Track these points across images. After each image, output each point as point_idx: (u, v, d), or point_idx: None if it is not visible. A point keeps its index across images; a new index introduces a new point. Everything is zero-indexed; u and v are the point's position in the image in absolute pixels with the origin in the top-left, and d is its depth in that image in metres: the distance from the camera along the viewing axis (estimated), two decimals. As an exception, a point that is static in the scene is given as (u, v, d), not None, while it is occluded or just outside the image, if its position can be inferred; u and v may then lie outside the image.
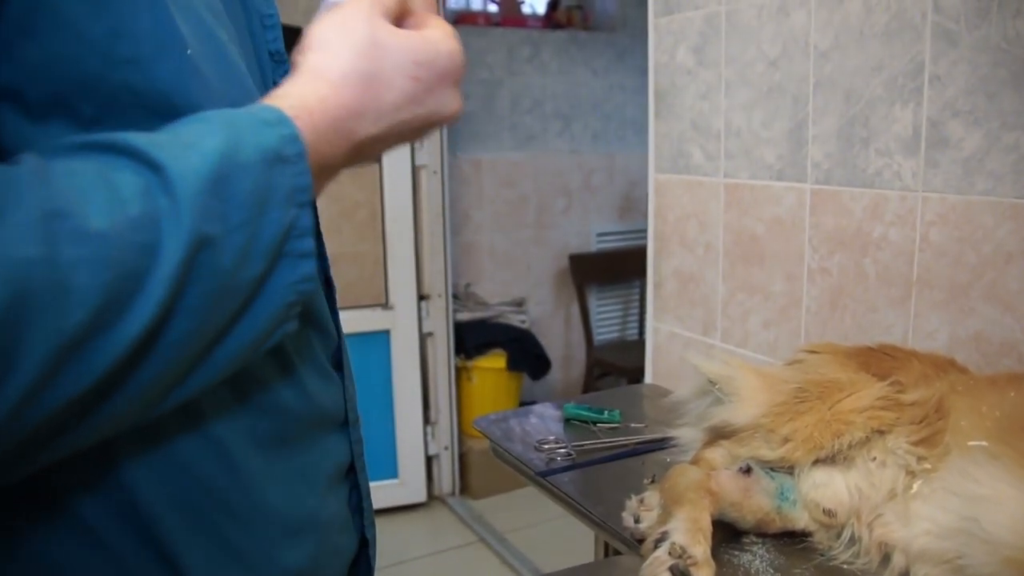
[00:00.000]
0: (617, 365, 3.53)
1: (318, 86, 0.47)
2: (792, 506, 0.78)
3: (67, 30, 0.41)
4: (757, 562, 0.76)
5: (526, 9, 3.73)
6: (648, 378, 1.72)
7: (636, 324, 3.84)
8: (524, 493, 3.04)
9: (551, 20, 3.67)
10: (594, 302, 3.71)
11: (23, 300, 0.32)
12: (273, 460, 0.52)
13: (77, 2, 0.42)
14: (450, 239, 2.95)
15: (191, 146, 0.40)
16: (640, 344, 3.69)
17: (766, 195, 1.39)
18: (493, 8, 3.67)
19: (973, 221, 1.06)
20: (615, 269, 3.70)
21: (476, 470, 3.08)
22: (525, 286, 3.57)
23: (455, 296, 3.18)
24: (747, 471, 0.79)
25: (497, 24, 3.51)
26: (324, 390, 0.58)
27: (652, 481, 0.91)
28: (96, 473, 0.45)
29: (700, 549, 0.68)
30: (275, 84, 0.60)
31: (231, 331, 0.41)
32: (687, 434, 0.91)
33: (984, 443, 0.66)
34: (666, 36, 1.58)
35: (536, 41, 3.46)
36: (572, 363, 3.78)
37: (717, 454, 0.81)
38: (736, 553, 0.77)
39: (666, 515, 0.73)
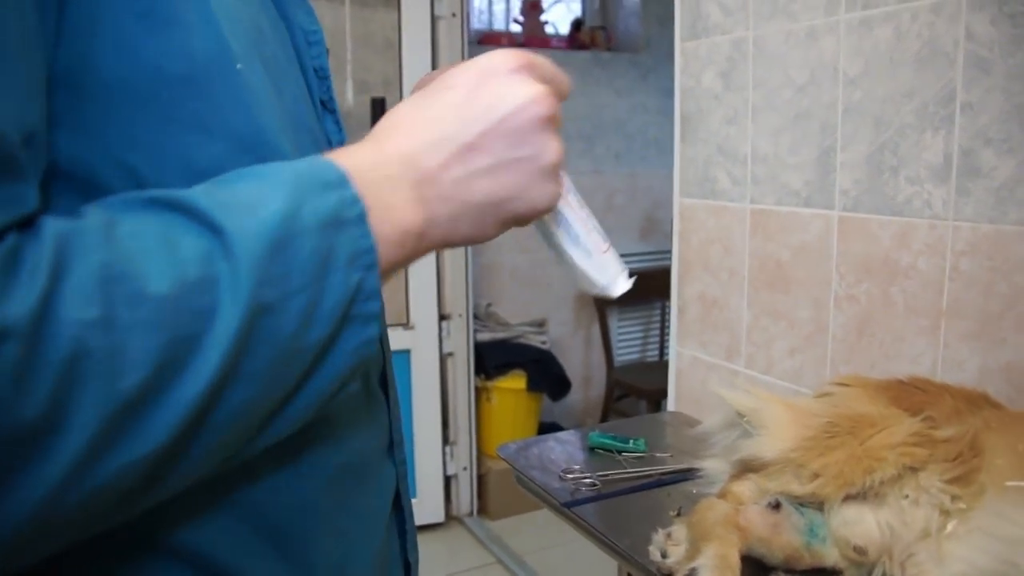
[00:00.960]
0: (637, 387, 3.50)
1: (387, 158, 0.47)
2: (822, 543, 0.76)
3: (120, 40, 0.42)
4: (786, 600, 0.74)
5: (549, 29, 3.74)
6: (671, 403, 1.71)
7: (657, 346, 3.82)
8: (542, 515, 3.01)
9: (575, 40, 3.68)
10: (615, 323, 3.69)
11: (77, 362, 0.32)
12: (342, 496, 0.52)
13: (134, 22, 0.42)
14: (472, 259, 2.95)
15: (252, 208, 0.39)
16: (661, 366, 3.67)
17: (792, 221, 1.38)
18: (516, 28, 3.69)
19: (1005, 250, 1.04)
20: (637, 290, 3.65)
21: (494, 491, 3.07)
22: (546, 307, 3.56)
23: (476, 316, 3.17)
24: (776, 507, 0.77)
25: (520, 45, 3.53)
26: (373, 417, 0.58)
27: (678, 514, 0.90)
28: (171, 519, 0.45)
29: (728, 586, 0.67)
30: (322, 102, 0.60)
31: (296, 395, 0.41)
32: (714, 466, 0.89)
33: (1023, 483, 0.65)
34: (693, 60, 1.57)
35: (559, 61, 3.40)
36: (592, 384, 3.76)
37: (745, 488, 0.80)
38: (765, 590, 0.76)
39: (694, 551, 0.72)
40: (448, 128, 0.47)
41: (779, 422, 0.80)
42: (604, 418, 3.49)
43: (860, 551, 0.74)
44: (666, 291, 3.86)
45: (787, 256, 1.39)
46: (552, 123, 0.49)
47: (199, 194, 0.39)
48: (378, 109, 2.68)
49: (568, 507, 0.98)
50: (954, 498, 0.71)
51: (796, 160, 1.36)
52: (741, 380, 1.48)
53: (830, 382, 0.91)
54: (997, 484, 0.68)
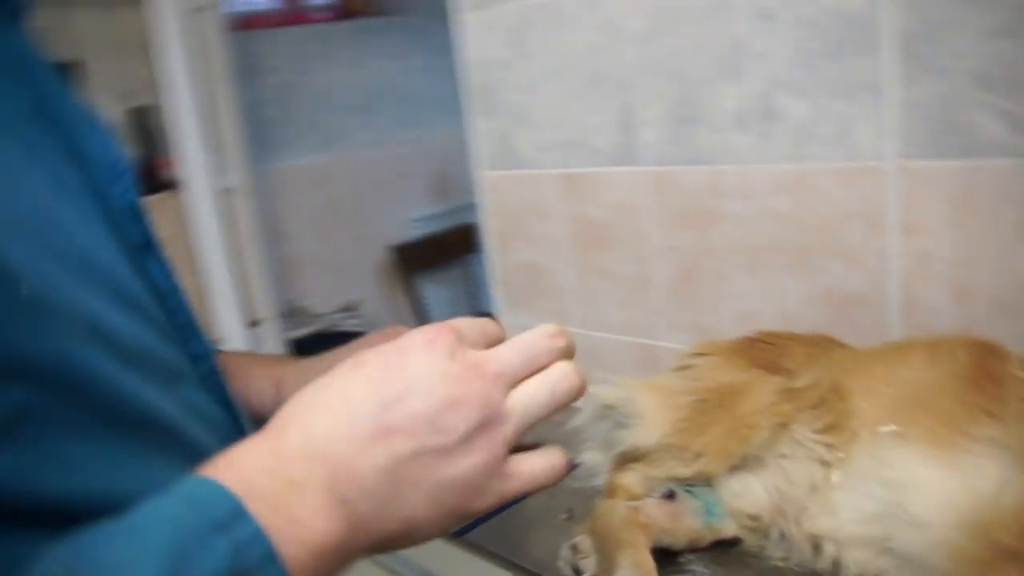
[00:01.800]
0: (460, 349, 3.50)
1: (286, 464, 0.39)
2: (720, 519, 0.78)
3: None
4: (703, 583, 0.75)
5: (315, 1, 3.55)
6: (513, 376, 1.70)
7: (466, 304, 3.82)
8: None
9: (343, 10, 3.52)
10: (425, 289, 3.65)
11: None
12: None
13: None
14: (270, 255, 2.79)
15: None
16: (480, 324, 3.69)
17: (604, 181, 1.39)
18: (275, 6, 3.47)
19: (811, 186, 1.10)
20: (439, 252, 3.66)
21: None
22: (355, 288, 3.45)
23: (284, 314, 3.02)
24: (670, 496, 0.78)
25: (281, 24, 3.33)
26: None
27: (569, 517, 0.89)
28: None
29: (655, 594, 0.67)
30: (137, 242, 0.51)
31: None
32: (592, 458, 0.89)
33: (895, 427, 0.69)
34: (476, 31, 1.53)
35: (324, 35, 3.31)
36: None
37: (631, 479, 0.80)
38: (679, 578, 0.77)
39: (608, 562, 0.71)
40: (361, 408, 0.40)
41: (650, 407, 0.80)
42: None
43: (755, 518, 0.76)
44: (468, 248, 3.87)
45: (604, 216, 1.41)
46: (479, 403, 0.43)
47: (49, 559, 0.31)
48: (139, 119, 2.43)
49: (459, 536, 0.94)
50: (829, 447, 0.74)
51: (598, 121, 1.36)
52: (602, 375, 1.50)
53: (687, 353, 0.93)
54: (868, 428, 0.72)
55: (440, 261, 3.69)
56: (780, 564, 0.75)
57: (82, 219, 0.46)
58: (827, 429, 0.75)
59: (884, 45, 0.98)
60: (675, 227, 1.29)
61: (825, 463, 0.74)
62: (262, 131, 3.02)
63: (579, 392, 0.47)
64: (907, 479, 0.65)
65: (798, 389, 0.78)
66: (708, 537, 0.78)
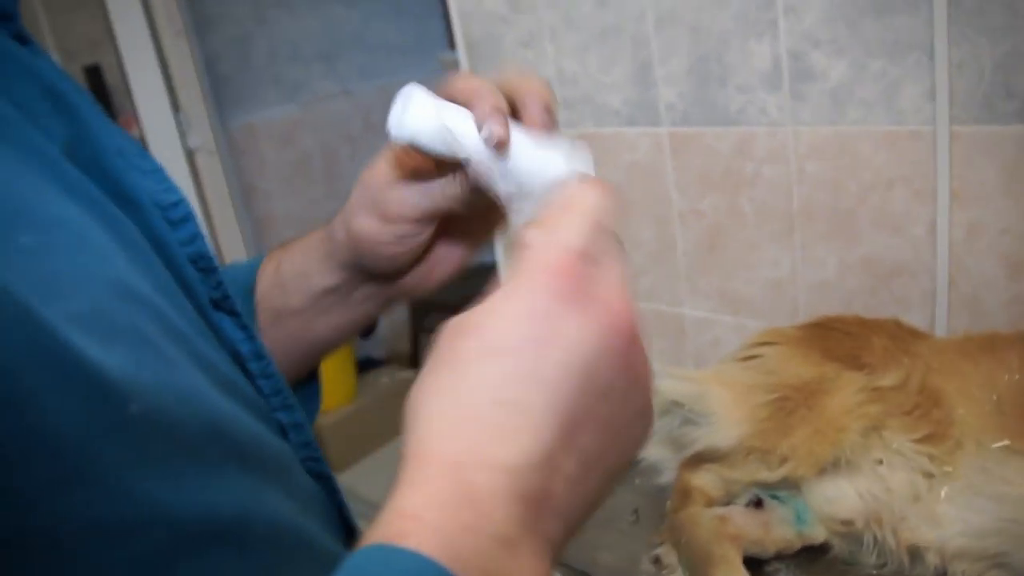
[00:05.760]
0: (438, 302, 3.44)
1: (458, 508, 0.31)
2: (810, 526, 0.75)
3: None
4: (795, 592, 0.73)
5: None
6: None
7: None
8: (387, 452, 2.96)
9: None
10: (401, 242, 3.57)
11: None
12: None
13: None
14: (243, 214, 2.68)
15: None
16: (456, 275, 3.63)
17: (618, 142, 1.33)
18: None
19: (849, 150, 1.06)
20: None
21: (331, 444, 2.93)
22: (330, 245, 3.35)
23: (262, 276, 2.92)
24: (758, 503, 0.75)
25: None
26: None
27: (636, 519, 0.85)
28: None
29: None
30: (213, 301, 0.44)
31: None
32: (655, 453, 0.85)
33: (1007, 443, 0.66)
34: (472, -17, 1.44)
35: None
36: (393, 308, 3.65)
37: (707, 481, 0.76)
38: (770, 588, 0.74)
39: (701, 580, 0.68)
40: (540, 417, 0.32)
41: (724, 405, 0.76)
42: (415, 341, 3.43)
43: (847, 523, 0.73)
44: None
45: (619, 178, 1.35)
46: (636, 339, 0.36)
47: None
48: (94, 79, 2.28)
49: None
50: (932, 458, 0.71)
51: (611, 79, 1.29)
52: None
53: (751, 343, 0.89)
54: (971, 438, 0.69)
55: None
56: (874, 572, 0.73)
57: (153, 282, 0.38)
58: (927, 439, 0.72)
59: (935, 2, 0.93)
60: (699, 191, 1.24)
61: (928, 474, 0.71)
62: (221, 86, 2.86)
63: None
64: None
65: (885, 389, 0.75)
66: (797, 544, 0.75)
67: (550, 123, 0.48)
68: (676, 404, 0.79)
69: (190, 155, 2.47)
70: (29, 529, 0.27)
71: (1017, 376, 0.69)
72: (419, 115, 0.46)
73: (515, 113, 0.47)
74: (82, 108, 0.41)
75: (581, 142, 0.46)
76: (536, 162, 0.45)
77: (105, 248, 0.36)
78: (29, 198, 0.33)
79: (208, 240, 0.46)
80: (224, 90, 2.89)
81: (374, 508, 0.32)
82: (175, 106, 2.47)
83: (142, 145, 0.50)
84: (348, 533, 0.51)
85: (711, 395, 0.77)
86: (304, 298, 0.60)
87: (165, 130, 2.44)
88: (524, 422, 0.32)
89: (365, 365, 3.32)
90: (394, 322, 3.65)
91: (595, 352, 0.34)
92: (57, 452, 0.28)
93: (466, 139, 0.45)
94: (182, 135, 2.44)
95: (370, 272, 0.58)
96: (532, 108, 0.48)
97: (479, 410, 0.32)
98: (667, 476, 0.83)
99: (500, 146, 0.45)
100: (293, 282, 0.60)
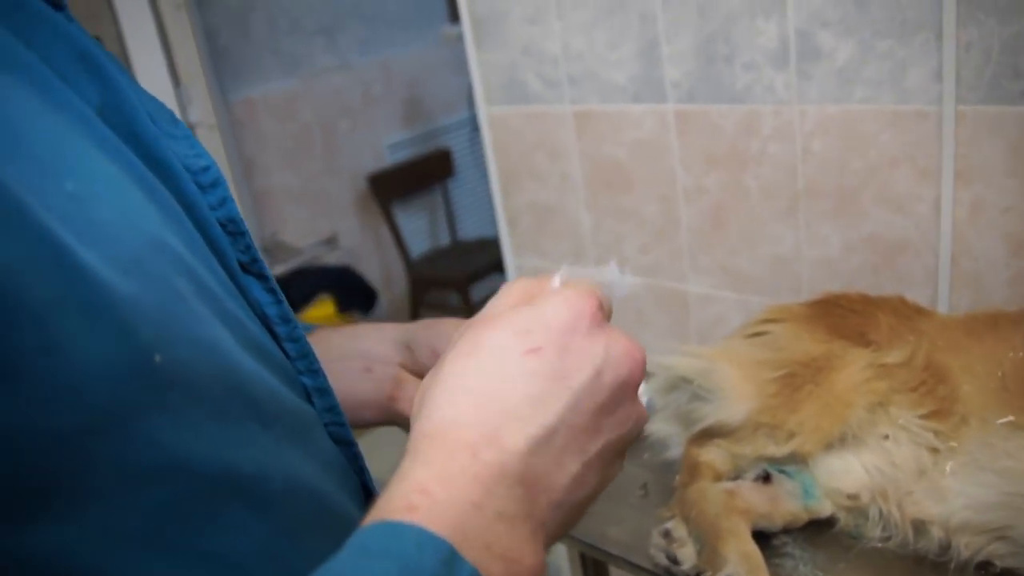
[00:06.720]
0: (439, 277, 3.46)
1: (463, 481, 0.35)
2: (817, 500, 0.77)
3: None
4: (801, 567, 0.74)
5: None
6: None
7: (446, 229, 3.76)
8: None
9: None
10: (401, 217, 3.58)
11: None
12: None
13: None
14: (244, 188, 2.68)
15: None
16: (456, 249, 3.63)
17: (622, 119, 1.33)
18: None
19: (856, 129, 1.06)
20: (414, 179, 3.56)
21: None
22: (330, 220, 3.36)
23: (264, 250, 2.93)
24: (766, 478, 0.76)
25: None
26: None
27: (645, 494, 0.87)
28: None
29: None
30: (241, 265, 0.45)
31: None
32: (663, 429, 0.86)
33: (1011, 419, 0.67)
34: (479, -42, 1.43)
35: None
36: (393, 283, 3.66)
37: (715, 456, 0.78)
38: (777, 562, 0.75)
39: (711, 553, 0.69)
40: (551, 412, 0.37)
41: (733, 381, 0.77)
42: (415, 315, 3.44)
43: (854, 498, 0.75)
44: (442, 173, 3.79)
45: (623, 154, 1.36)
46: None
47: None
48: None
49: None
50: (937, 434, 0.73)
51: (617, 56, 1.30)
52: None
53: (758, 320, 0.90)
54: (976, 414, 0.70)
55: (414, 189, 3.59)
56: (879, 545, 0.74)
57: (185, 241, 0.39)
58: (933, 415, 0.73)
59: (944, -19, 0.93)
60: (704, 168, 1.25)
61: (934, 450, 0.72)
62: (221, 60, 2.85)
63: None
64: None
65: (891, 365, 0.76)
66: (804, 518, 0.77)
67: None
68: (685, 380, 0.81)
69: (190, 129, 2.46)
70: (62, 473, 0.29)
71: (1021, 353, 0.70)
72: None
73: None
74: (114, 74, 0.42)
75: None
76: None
77: (141, 204, 0.37)
78: (75, 151, 0.34)
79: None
80: (224, 64, 2.88)
81: (378, 483, 0.35)
82: (175, 80, 2.46)
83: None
84: (368, 499, 0.52)
85: (719, 371, 0.78)
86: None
87: (166, 103, 2.43)
88: (543, 417, 0.37)
89: (365, 340, 3.32)
90: (394, 297, 3.66)
91: (614, 375, 0.39)
92: (86, 396, 0.29)
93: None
94: (182, 109, 2.43)
95: None
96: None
97: (508, 403, 0.36)
98: (675, 451, 0.85)
99: None
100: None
